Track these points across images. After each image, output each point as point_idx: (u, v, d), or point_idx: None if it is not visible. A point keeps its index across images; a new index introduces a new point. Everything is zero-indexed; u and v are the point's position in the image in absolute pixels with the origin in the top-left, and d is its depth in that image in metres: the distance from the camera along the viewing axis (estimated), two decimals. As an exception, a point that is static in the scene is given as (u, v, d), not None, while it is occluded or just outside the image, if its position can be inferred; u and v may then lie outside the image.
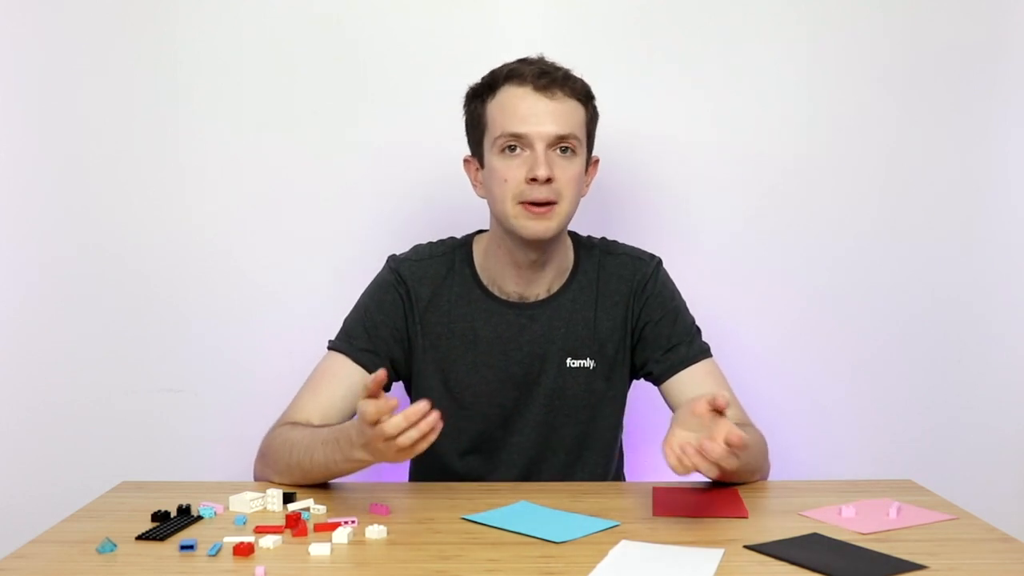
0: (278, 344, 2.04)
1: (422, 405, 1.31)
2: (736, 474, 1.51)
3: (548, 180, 1.54)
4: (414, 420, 1.31)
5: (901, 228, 2.09)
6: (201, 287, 2.05)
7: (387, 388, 1.68)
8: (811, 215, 2.08)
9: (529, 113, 1.56)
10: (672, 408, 1.66)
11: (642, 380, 1.73)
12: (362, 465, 1.43)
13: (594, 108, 1.64)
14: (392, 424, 1.31)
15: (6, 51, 2.00)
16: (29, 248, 2.03)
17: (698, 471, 1.34)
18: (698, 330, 1.70)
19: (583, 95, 1.60)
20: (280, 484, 1.50)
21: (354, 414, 1.62)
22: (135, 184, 2.04)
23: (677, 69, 2.05)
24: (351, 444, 1.40)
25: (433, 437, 1.33)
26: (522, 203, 1.56)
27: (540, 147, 1.55)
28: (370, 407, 1.32)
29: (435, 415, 1.32)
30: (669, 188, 2.07)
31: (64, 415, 2.06)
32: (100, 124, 2.02)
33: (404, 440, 1.31)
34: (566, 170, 1.57)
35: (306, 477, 1.49)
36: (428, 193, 2.04)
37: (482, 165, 1.63)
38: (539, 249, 1.62)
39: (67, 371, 2.05)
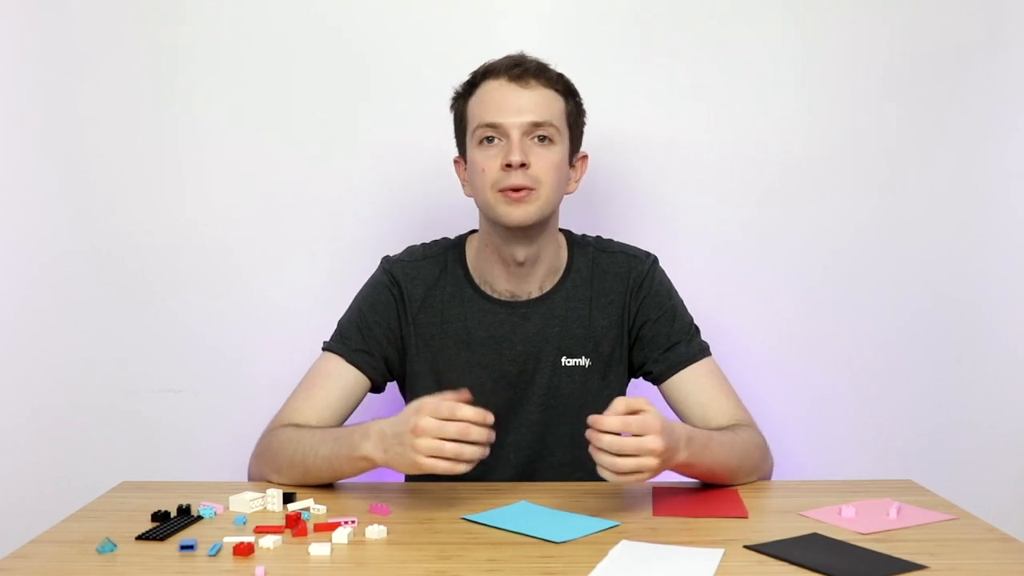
0: (277, 344, 2.04)
1: (490, 417, 1.33)
2: (730, 475, 1.51)
3: (523, 165, 1.55)
4: (480, 421, 1.32)
5: (900, 227, 2.09)
6: (201, 287, 2.05)
7: (380, 389, 1.69)
8: (810, 215, 2.08)
9: (503, 103, 1.56)
10: (671, 407, 1.66)
11: (641, 379, 1.73)
12: (366, 465, 1.43)
13: (576, 103, 1.63)
14: (469, 410, 1.32)
15: (6, 51, 2.00)
16: (29, 248, 2.03)
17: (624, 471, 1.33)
18: (696, 329, 1.70)
19: (561, 87, 1.61)
20: (278, 484, 1.50)
21: (348, 415, 1.62)
22: (135, 184, 2.04)
23: (675, 69, 2.05)
24: (365, 435, 1.40)
25: (463, 466, 1.33)
26: (501, 190, 1.56)
27: (516, 135, 1.55)
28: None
29: (490, 434, 1.33)
30: (667, 187, 2.07)
31: (65, 415, 2.06)
32: (101, 124, 2.02)
33: (450, 446, 1.31)
34: (543, 157, 1.57)
35: (307, 475, 1.49)
36: (428, 193, 2.04)
37: (467, 162, 1.63)
38: (524, 242, 1.61)
39: (67, 371, 2.05)
